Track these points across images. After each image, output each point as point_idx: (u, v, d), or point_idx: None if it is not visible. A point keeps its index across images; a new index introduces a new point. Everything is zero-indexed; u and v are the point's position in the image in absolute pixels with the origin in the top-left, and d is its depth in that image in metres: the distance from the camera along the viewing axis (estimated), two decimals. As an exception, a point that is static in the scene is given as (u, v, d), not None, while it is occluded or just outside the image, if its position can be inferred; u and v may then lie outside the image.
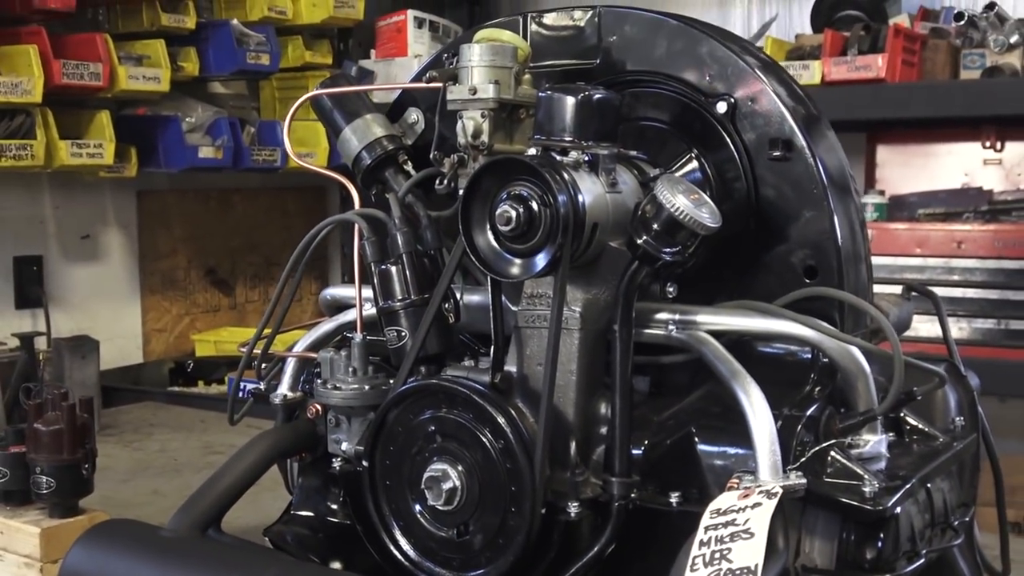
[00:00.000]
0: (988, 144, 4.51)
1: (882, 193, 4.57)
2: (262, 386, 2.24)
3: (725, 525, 1.51)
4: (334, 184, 5.66)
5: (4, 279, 4.29)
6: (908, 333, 3.88)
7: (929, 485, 1.77)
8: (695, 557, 1.49)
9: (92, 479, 2.33)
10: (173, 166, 4.48)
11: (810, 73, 4.28)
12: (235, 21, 4.64)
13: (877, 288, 4.17)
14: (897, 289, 2.44)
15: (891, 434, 1.85)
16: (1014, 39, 4.23)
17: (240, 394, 4.26)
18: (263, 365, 2.26)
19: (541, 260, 1.66)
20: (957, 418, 1.95)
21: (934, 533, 1.78)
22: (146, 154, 4.45)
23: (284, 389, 2.18)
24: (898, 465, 1.74)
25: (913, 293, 2.34)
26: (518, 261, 1.68)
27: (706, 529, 1.52)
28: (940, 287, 4.10)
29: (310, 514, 2.18)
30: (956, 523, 1.83)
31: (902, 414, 1.89)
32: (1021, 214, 4.24)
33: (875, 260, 4.21)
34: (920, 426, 1.90)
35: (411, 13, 5.31)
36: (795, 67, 4.31)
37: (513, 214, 1.66)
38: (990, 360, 4.03)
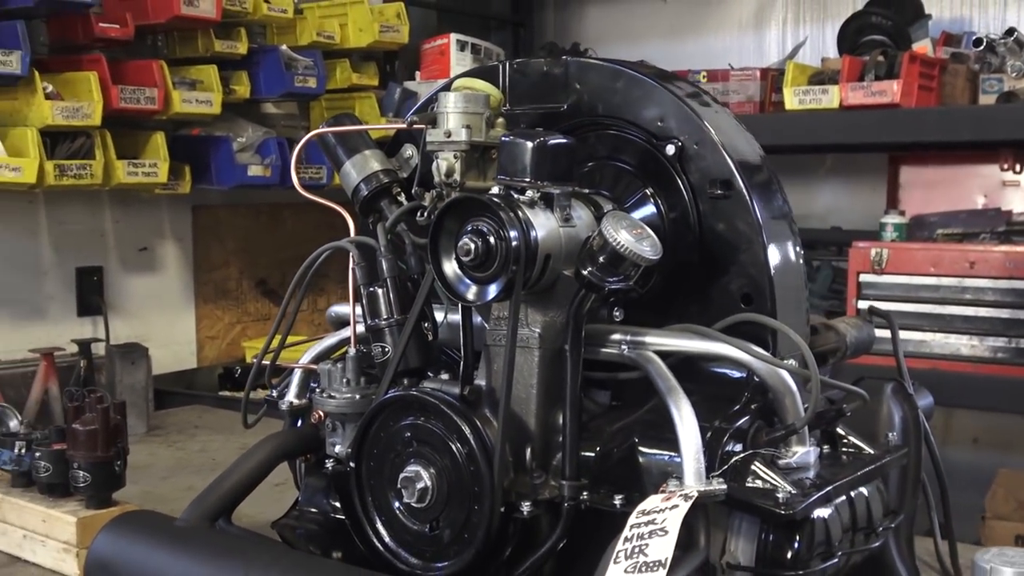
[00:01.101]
0: (1007, 166, 4.62)
1: (902, 214, 4.70)
2: (273, 394, 2.48)
3: (647, 524, 1.70)
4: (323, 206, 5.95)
5: (67, 288, 4.60)
6: (910, 348, 4.03)
7: (852, 493, 1.95)
8: (618, 551, 1.69)
9: (124, 475, 2.59)
10: (224, 183, 4.75)
11: (829, 97, 4.43)
12: (284, 47, 4.91)
13: (892, 307, 4.31)
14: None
15: (826, 447, 2.03)
16: (1031, 64, 4.34)
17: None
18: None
19: (494, 288, 1.87)
20: (890, 433, 2.12)
21: (857, 537, 1.96)
22: (199, 172, 4.73)
23: (291, 396, 2.41)
24: (824, 474, 1.92)
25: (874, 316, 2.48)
26: (475, 287, 1.90)
27: (631, 527, 1.72)
28: (953, 306, 4.25)
29: (314, 510, 2.41)
30: (880, 529, 2.00)
31: (838, 429, 2.07)
32: (1037, 235, 4.34)
33: (892, 279, 4.40)
34: (855, 440, 2.07)
35: (454, 36, 5.54)
36: (815, 92, 4.47)
37: (472, 246, 1.88)
38: (1002, 378, 4.15)
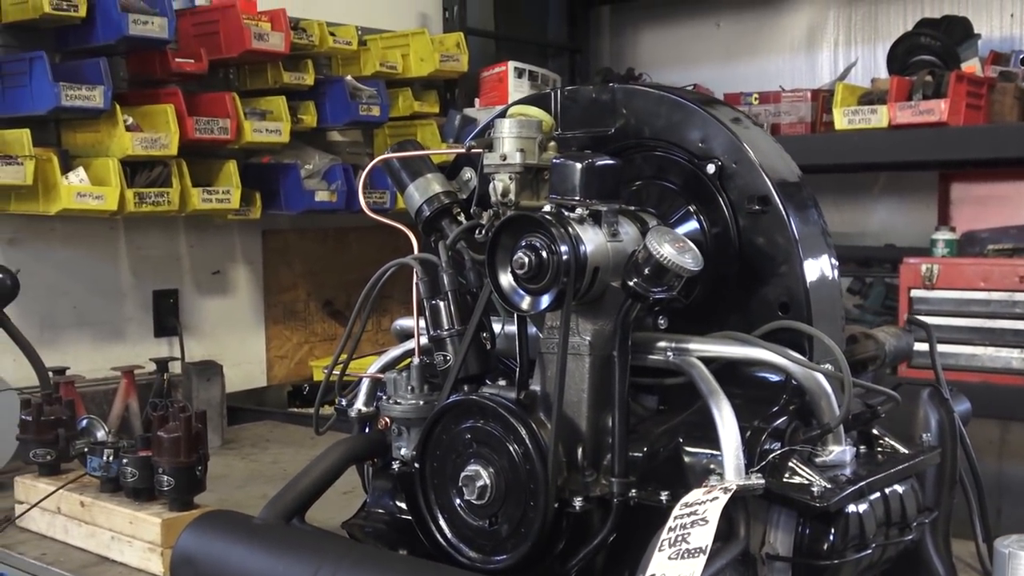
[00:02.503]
0: (1058, 182, 4.68)
1: (953, 230, 4.77)
2: (343, 403, 2.65)
3: (689, 515, 1.84)
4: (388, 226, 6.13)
5: (145, 310, 4.83)
6: (949, 361, 4.12)
7: (887, 490, 2.07)
8: (663, 540, 1.83)
9: (204, 479, 2.77)
10: (292, 208, 4.96)
11: (878, 117, 4.53)
12: (349, 77, 5.12)
13: (943, 321, 4.38)
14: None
15: (862, 447, 2.15)
16: (1078, 81, 4.41)
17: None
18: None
19: (547, 298, 2.03)
20: (924, 435, 2.23)
21: (891, 532, 2.07)
22: (269, 198, 4.94)
23: (359, 404, 2.58)
24: (857, 472, 2.04)
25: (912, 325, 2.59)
26: (528, 298, 2.05)
27: (675, 518, 1.86)
28: (1004, 320, 4.32)
29: (382, 511, 2.58)
30: (915, 524, 2.11)
31: (875, 430, 2.19)
32: (1087, 249, 4.40)
33: (942, 294, 4.47)
34: (890, 441, 2.19)
35: (511, 64, 5.72)
36: (864, 112, 4.57)
37: (526, 260, 2.03)
38: (1054, 390, 4.20)
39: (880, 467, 2.08)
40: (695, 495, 1.88)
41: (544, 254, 2.02)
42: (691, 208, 2.25)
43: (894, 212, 5.55)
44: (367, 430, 2.59)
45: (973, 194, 5.02)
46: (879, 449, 2.17)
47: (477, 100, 5.83)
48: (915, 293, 4.50)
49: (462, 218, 2.46)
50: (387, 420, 2.49)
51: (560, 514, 2.09)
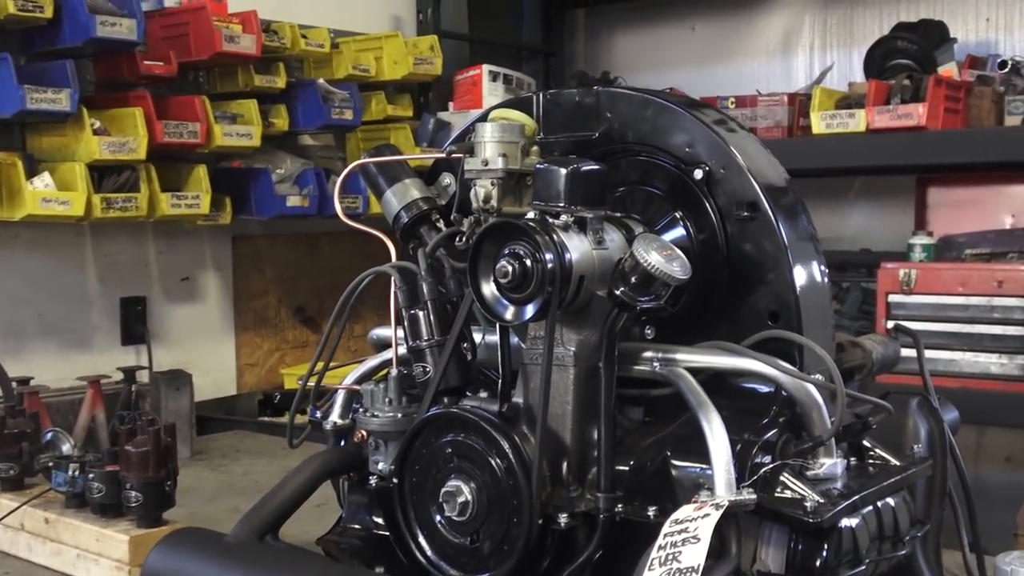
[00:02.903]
0: (1035, 187, 4.67)
1: (931, 234, 4.75)
2: (317, 415, 2.57)
3: (679, 532, 1.78)
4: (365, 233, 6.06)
5: (112, 318, 4.73)
6: (940, 368, 4.08)
7: (879, 504, 2.02)
8: (653, 559, 1.77)
9: (174, 494, 2.69)
10: (264, 214, 4.87)
11: (856, 121, 4.49)
12: (321, 80, 5.04)
13: (921, 326, 4.35)
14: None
15: (852, 459, 2.09)
16: (1056, 85, 4.40)
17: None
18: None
19: (531, 308, 1.96)
20: (915, 446, 2.18)
21: (884, 546, 2.02)
22: (240, 203, 4.85)
23: (335, 417, 2.50)
24: (850, 485, 1.99)
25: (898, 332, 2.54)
26: (512, 307, 1.98)
27: (665, 535, 1.80)
28: (982, 325, 4.29)
29: (358, 527, 2.50)
30: (907, 538, 2.06)
31: (865, 442, 2.13)
32: (1064, 254, 4.38)
33: (920, 299, 4.44)
34: (881, 452, 2.14)
35: (486, 67, 5.65)
36: (841, 116, 4.54)
37: (510, 268, 1.97)
38: (1033, 395, 4.18)
39: (872, 480, 2.03)
40: (685, 511, 1.82)
41: (528, 262, 1.96)
42: (677, 214, 2.19)
43: (870, 216, 5.52)
44: (343, 443, 2.50)
45: (950, 198, 5.00)
46: (870, 461, 2.12)
47: (451, 104, 5.76)
48: (893, 298, 4.47)
49: (441, 225, 2.40)
50: (363, 433, 2.42)
51: (545, 530, 2.02)
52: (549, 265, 1.93)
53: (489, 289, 2.03)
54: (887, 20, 5.52)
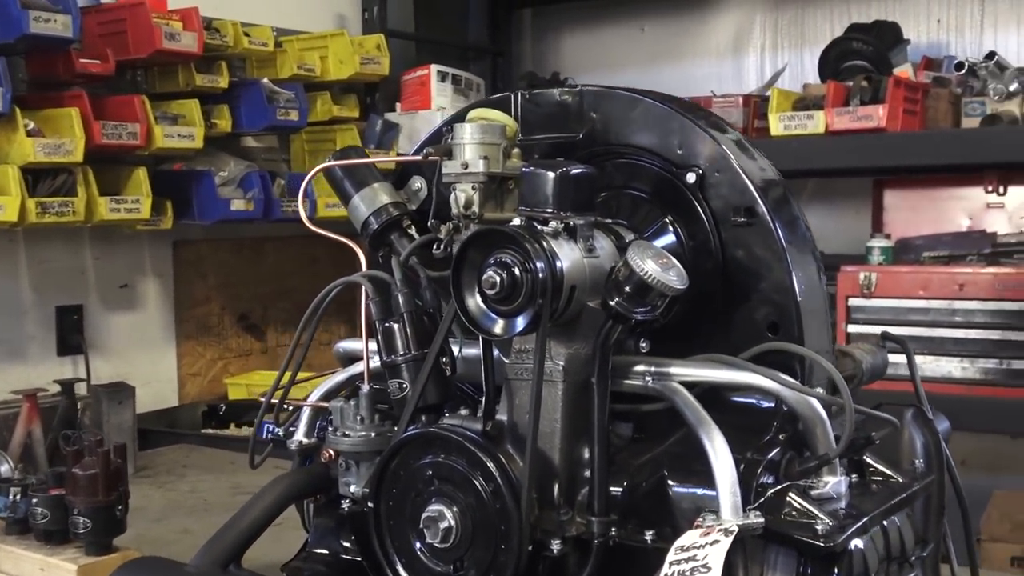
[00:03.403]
0: (991, 188, 4.65)
1: (888, 237, 4.72)
2: (280, 432, 2.42)
3: (687, 560, 1.67)
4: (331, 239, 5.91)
5: (47, 328, 4.52)
6: (901, 371, 4.04)
7: (885, 523, 1.92)
8: (659, 590, 1.65)
9: (125, 520, 2.53)
10: (207, 218, 4.70)
11: (814, 123, 4.45)
12: (265, 80, 4.87)
13: (879, 330, 4.30)
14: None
15: (854, 476, 2.00)
16: (1013, 87, 4.38)
17: (268, 435, 4.45)
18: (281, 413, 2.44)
19: (522, 320, 1.83)
20: (917, 460, 2.10)
21: (891, 568, 1.93)
22: (181, 207, 4.67)
23: (300, 436, 2.36)
24: (856, 504, 1.89)
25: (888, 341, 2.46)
26: (501, 321, 1.86)
27: (670, 564, 1.68)
28: (943, 328, 4.26)
29: (325, 552, 2.36)
30: (914, 558, 1.97)
31: (865, 457, 2.04)
32: (1023, 256, 4.36)
33: (880, 303, 4.40)
34: (882, 468, 2.04)
35: (434, 67, 5.53)
36: (800, 117, 4.48)
37: (497, 279, 1.84)
38: (994, 399, 4.16)
39: (878, 498, 1.93)
40: (691, 537, 1.71)
41: (517, 272, 1.83)
42: (667, 220, 2.08)
43: (824, 219, 5.47)
44: (308, 463, 2.36)
45: (906, 201, 4.97)
46: (872, 477, 2.03)
47: (398, 104, 5.63)
48: (853, 302, 4.43)
49: (414, 232, 2.26)
50: (331, 453, 2.27)
51: (535, 557, 1.90)
52: (540, 275, 1.81)
53: (474, 301, 1.90)
54: (838, 21, 5.50)
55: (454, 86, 5.59)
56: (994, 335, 4.18)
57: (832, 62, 4.94)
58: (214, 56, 4.72)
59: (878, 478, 2.04)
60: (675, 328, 2.03)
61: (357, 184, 2.29)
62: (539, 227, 1.88)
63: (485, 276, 1.85)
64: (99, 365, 4.63)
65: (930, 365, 4.29)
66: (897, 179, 4.94)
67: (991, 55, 4.61)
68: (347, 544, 2.32)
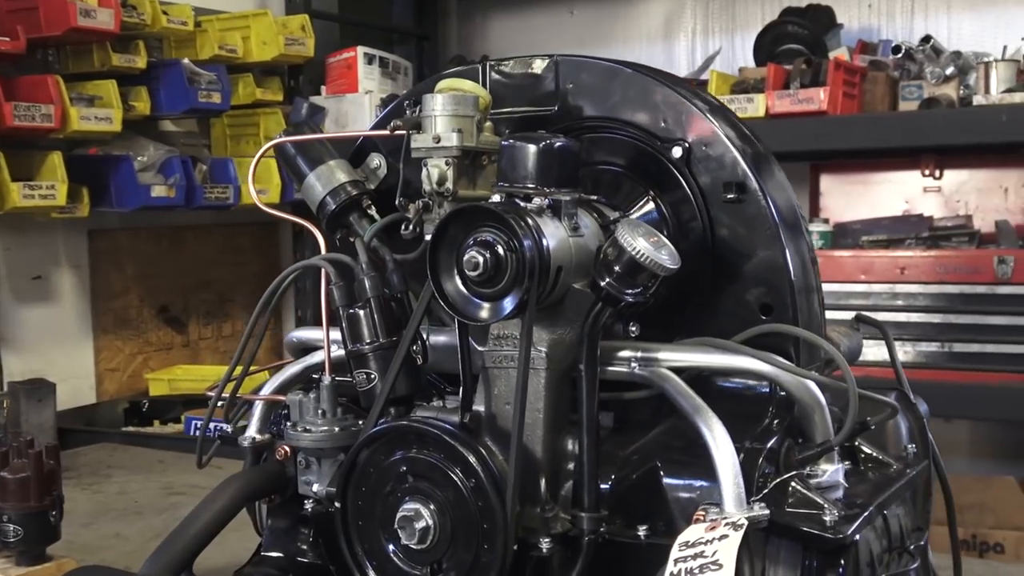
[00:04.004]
0: (928, 172, 4.65)
1: (826, 221, 4.69)
2: (229, 428, 2.26)
3: (694, 557, 1.56)
4: (288, 221, 5.71)
5: (-45, 323, 4.27)
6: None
7: (885, 511, 1.84)
8: (666, 589, 1.54)
9: (59, 526, 2.34)
10: (126, 206, 4.47)
11: (754, 106, 4.39)
12: (186, 60, 4.66)
13: (860, 312, 4.27)
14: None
15: (847, 463, 1.91)
16: (950, 71, 4.38)
17: (196, 433, 4.26)
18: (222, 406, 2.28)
19: (509, 303, 1.71)
20: (909, 445, 2.02)
21: (891, 557, 1.85)
22: (98, 194, 4.44)
23: (252, 432, 2.20)
24: (855, 493, 1.80)
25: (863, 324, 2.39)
26: (486, 305, 1.73)
27: (675, 561, 1.57)
28: (885, 312, 4.23)
29: (280, 555, 2.21)
30: (912, 547, 1.90)
31: (856, 443, 1.96)
32: (961, 240, 4.37)
33: (823, 287, 4.34)
34: (874, 454, 1.97)
35: (361, 50, 5.36)
36: (739, 100, 4.42)
37: (480, 260, 1.71)
38: (935, 382, 4.14)
39: (878, 486, 1.85)
40: (695, 532, 1.60)
41: (501, 252, 1.70)
42: (650, 197, 1.97)
43: (759, 204, 5.44)
44: (261, 461, 2.20)
45: (843, 186, 4.95)
46: (866, 464, 1.94)
47: (324, 87, 5.44)
48: (793, 287, 4.37)
49: (373, 212, 2.12)
50: (286, 450, 2.12)
51: (521, 556, 1.77)
52: (528, 254, 1.68)
53: (452, 284, 1.76)
54: (769, 6, 5.45)
55: (381, 69, 5.43)
56: (935, 318, 4.17)
57: (767, 45, 4.89)
58: (130, 36, 4.49)
59: (871, 464, 1.95)
60: (657, 312, 1.93)
61: (311, 162, 2.14)
62: (522, 204, 1.76)
63: (467, 257, 1.72)
64: (11, 361, 4.38)
65: (872, 349, 4.26)
66: (834, 163, 4.92)
67: (927, 39, 4.61)
68: (304, 547, 2.17)
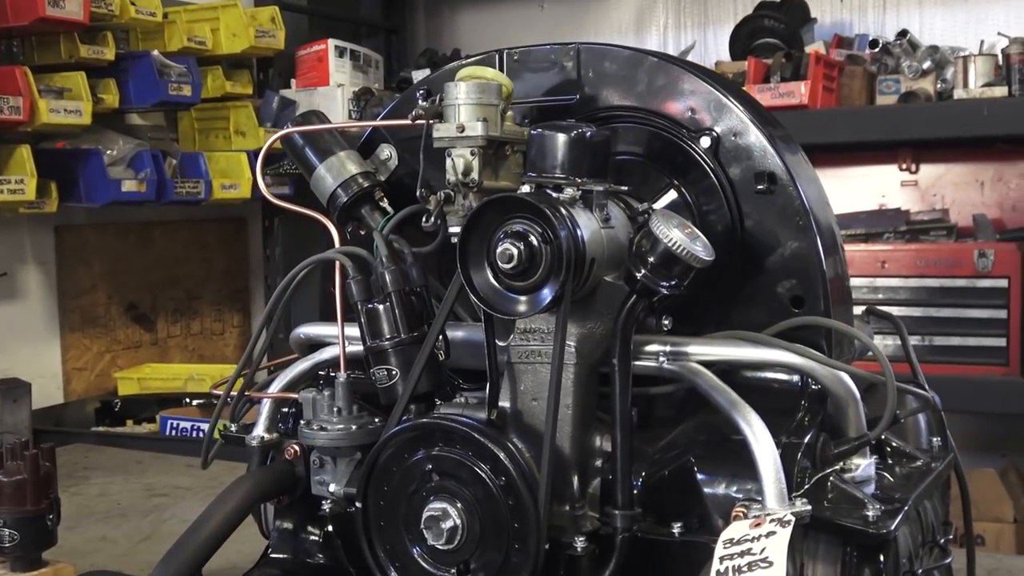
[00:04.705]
0: (904, 166, 4.66)
1: (805, 215, 4.68)
2: (233, 428, 2.19)
3: (741, 555, 1.53)
4: (255, 216, 5.62)
5: (-81, 321, 4.14)
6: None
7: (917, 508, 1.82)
8: (714, 587, 1.51)
9: (56, 530, 2.25)
10: (96, 200, 4.35)
11: (734, 100, 4.36)
12: (156, 52, 4.55)
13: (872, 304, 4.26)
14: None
15: (875, 457, 1.89)
16: (927, 65, 4.39)
17: (172, 433, 4.16)
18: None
19: (547, 296, 1.66)
20: (934, 439, 2.01)
21: (925, 552, 1.83)
22: (66, 189, 4.32)
23: (260, 431, 2.13)
24: (888, 487, 1.79)
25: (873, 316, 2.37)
26: (523, 298, 1.68)
27: (721, 559, 1.54)
28: (865, 306, 4.24)
29: (288, 556, 2.15)
30: (942, 541, 1.88)
31: (884, 437, 1.94)
32: (939, 234, 4.39)
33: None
34: (901, 448, 1.95)
35: (332, 42, 5.27)
36: (720, 94, 4.39)
37: (515, 251, 1.66)
38: (915, 376, 4.15)
39: (911, 481, 1.83)
40: (739, 530, 1.57)
41: (535, 243, 1.66)
42: (677, 188, 1.93)
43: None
44: (269, 461, 2.14)
45: (821, 179, 4.94)
46: (893, 458, 1.93)
47: (293, 81, 5.35)
48: (773, 281, 4.37)
49: (386, 204, 2.07)
50: (295, 449, 2.06)
51: (552, 556, 1.73)
52: (564, 246, 1.64)
53: (482, 277, 1.72)
54: (741, 1, 5.45)
55: (352, 62, 5.35)
56: (916, 312, 4.19)
57: (744, 39, 4.88)
58: (99, 26, 4.37)
59: (900, 459, 1.94)
60: (685, 305, 1.89)
61: (321, 153, 2.09)
62: (553, 195, 1.72)
63: (500, 249, 1.67)
64: (-24, 361, 4.26)
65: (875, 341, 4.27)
66: (812, 157, 4.90)
67: (903, 33, 4.63)
68: (312, 548, 2.12)
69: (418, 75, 5.38)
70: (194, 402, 4.29)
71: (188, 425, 4.10)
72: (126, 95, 4.51)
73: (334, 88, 5.20)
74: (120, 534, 2.98)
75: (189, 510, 3.12)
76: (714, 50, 5.48)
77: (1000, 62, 4.20)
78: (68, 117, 4.14)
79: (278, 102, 5.08)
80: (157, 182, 4.51)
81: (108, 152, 4.44)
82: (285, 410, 2.15)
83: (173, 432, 4.14)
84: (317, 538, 2.12)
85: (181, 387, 4.65)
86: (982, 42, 4.48)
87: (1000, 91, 4.08)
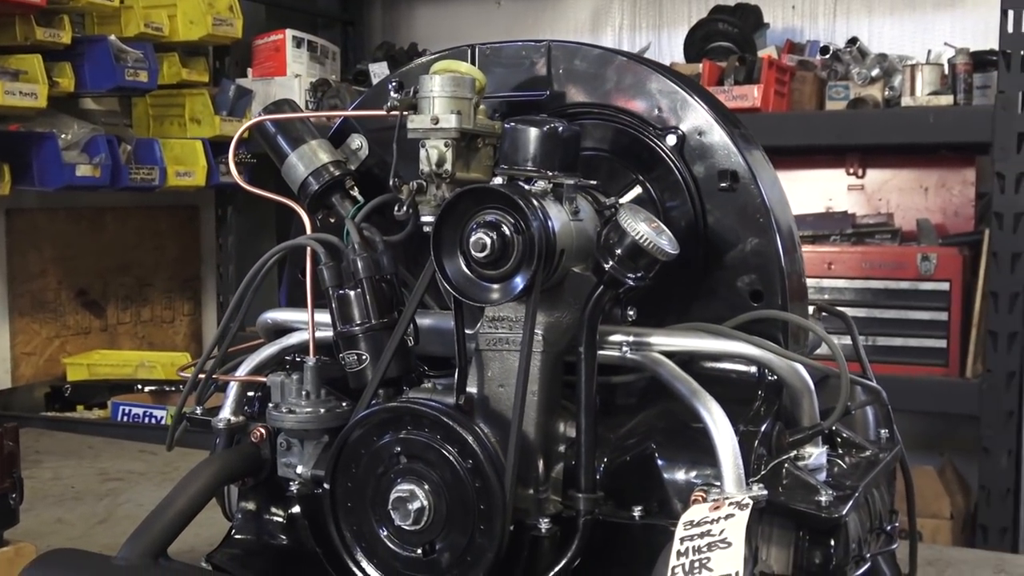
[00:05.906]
0: (852, 171, 4.77)
1: (753, 217, 4.77)
2: (198, 411, 2.22)
3: (701, 535, 1.59)
4: (208, 204, 5.61)
5: None
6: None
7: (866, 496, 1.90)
8: (675, 567, 1.57)
9: (18, 510, 2.27)
10: (49, 184, 4.34)
11: (689, 101, 4.44)
12: (113, 37, 4.54)
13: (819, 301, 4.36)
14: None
15: (827, 446, 1.97)
16: (875, 72, 4.50)
17: (124, 419, 4.16)
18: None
19: (518, 284, 1.72)
20: (882, 431, 2.09)
21: (872, 538, 1.91)
22: (19, 172, 4.30)
23: (227, 414, 2.16)
24: (839, 475, 1.86)
25: (823, 313, 2.45)
26: (495, 286, 1.73)
27: (682, 540, 1.60)
28: (812, 306, 4.34)
29: (251, 537, 2.18)
30: (889, 528, 1.96)
31: (835, 427, 2.02)
32: (884, 237, 4.50)
33: (750, 280, 4.40)
34: (851, 438, 2.03)
35: (290, 32, 5.29)
36: (674, 95, 4.47)
37: (488, 241, 1.71)
38: (859, 374, 4.26)
39: (859, 469, 1.91)
40: (699, 512, 1.63)
41: (507, 233, 1.71)
42: (641, 184, 1.99)
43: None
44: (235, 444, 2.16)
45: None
46: (843, 448, 2.00)
47: (250, 70, 5.36)
48: (722, 280, 4.45)
49: (356, 193, 2.11)
50: (261, 432, 2.10)
51: (518, 538, 1.79)
52: (535, 236, 1.69)
53: (454, 266, 1.77)
54: (696, 4, 5.54)
55: (310, 53, 5.37)
56: (861, 313, 4.29)
57: (698, 42, 4.96)
58: (55, 9, 4.35)
59: (849, 449, 2.01)
60: (647, 297, 1.96)
61: (293, 141, 2.12)
62: (525, 186, 1.77)
63: (474, 238, 1.72)
64: (-76, 344, 4.22)
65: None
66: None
67: (853, 40, 4.74)
68: (278, 530, 2.15)
69: (375, 68, 5.41)
70: (146, 388, 4.29)
71: (140, 411, 4.10)
72: (82, 79, 4.49)
73: (291, 78, 5.21)
74: (75, 516, 2.98)
75: (144, 494, 3.14)
76: (668, 52, 5.56)
77: (946, 71, 4.32)
78: (23, 100, 4.12)
79: (234, 90, 5.08)
80: (112, 167, 4.50)
81: (63, 136, 4.42)
82: (251, 394, 2.19)
83: (125, 418, 4.14)
84: (281, 519, 2.15)
85: (131, 374, 4.64)
86: (929, 52, 4.61)
87: (946, 100, 4.20)
